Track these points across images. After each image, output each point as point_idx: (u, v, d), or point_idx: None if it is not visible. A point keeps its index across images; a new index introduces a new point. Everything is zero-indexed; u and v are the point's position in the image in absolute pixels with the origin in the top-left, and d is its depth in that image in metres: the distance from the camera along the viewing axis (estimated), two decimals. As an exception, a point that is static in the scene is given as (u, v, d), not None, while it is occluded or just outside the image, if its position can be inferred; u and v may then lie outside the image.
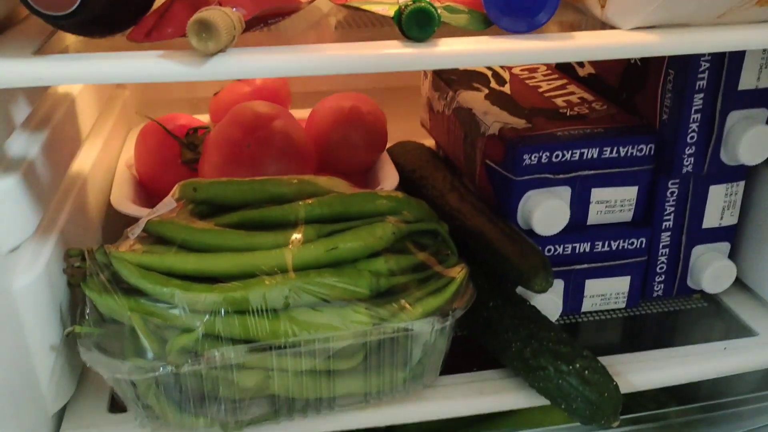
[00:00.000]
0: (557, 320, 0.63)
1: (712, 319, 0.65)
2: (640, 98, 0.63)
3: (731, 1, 0.44)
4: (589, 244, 0.62)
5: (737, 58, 0.57)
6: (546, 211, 0.58)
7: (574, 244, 0.61)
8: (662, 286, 0.66)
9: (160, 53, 0.42)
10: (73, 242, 0.54)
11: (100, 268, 0.49)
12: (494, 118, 0.63)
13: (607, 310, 0.65)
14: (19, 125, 0.50)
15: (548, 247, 0.61)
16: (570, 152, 0.59)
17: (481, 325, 0.57)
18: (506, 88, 0.71)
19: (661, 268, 0.65)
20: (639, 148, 0.60)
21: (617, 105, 0.65)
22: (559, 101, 0.67)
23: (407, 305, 0.50)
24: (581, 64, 0.72)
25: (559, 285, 0.63)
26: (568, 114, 0.64)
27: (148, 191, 0.68)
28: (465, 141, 0.68)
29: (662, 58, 0.59)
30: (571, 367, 0.51)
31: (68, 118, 0.59)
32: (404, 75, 0.92)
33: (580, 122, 0.62)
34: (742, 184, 0.63)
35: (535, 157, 0.58)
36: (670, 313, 0.66)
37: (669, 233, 0.63)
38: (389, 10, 0.47)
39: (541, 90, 0.70)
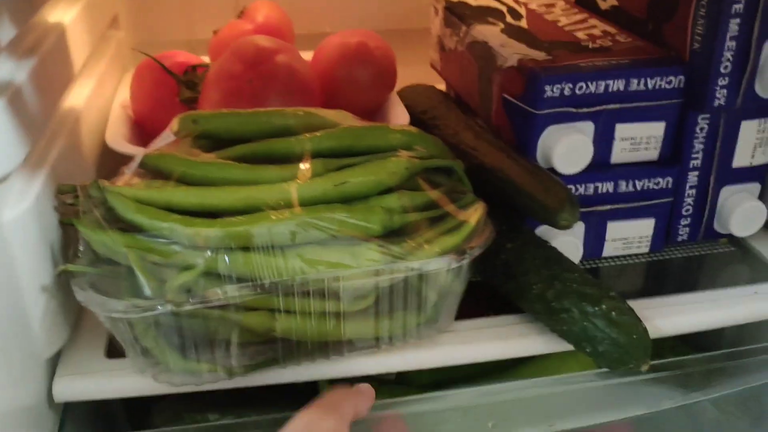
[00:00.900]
0: (577, 265, 0.59)
1: (741, 264, 0.62)
2: (669, 28, 0.59)
3: None
4: (612, 183, 0.58)
5: (776, -19, 0.53)
6: (568, 146, 0.55)
7: (597, 184, 0.58)
8: (688, 229, 0.62)
9: None
10: (65, 179, 0.51)
11: (94, 204, 0.46)
12: (513, 50, 0.59)
13: (629, 255, 0.62)
14: (4, 47, 0.46)
15: (569, 187, 0.57)
16: (595, 84, 0.55)
17: (499, 268, 0.54)
18: (522, 23, 0.67)
19: (687, 210, 0.61)
20: (668, 80, 0.56)
21: (643, 37, 0.61)
22: (581, 34, 0.63)
23: (423, 243, 0.47)
24: (603, -3, 0.68)
25: (579, 228, 0.59)
26: (590, 47, 0.60)
27: (144, 131, 0.65)
28: (480, 77, 0.64)
29: (695, -18, 0.55)
30: (597, 309, 0.48)
31: (58, 48, 0.55)
32: (412, 15, 0.88)
33: (605, 54, 0.58)
34: (776, 119, 0.59)
35: (557, 88, 0.55)
36: (695, 258, 0.62)
37: (697, 173, 0.60)
38: None
39: (560, 24, 0.66)
